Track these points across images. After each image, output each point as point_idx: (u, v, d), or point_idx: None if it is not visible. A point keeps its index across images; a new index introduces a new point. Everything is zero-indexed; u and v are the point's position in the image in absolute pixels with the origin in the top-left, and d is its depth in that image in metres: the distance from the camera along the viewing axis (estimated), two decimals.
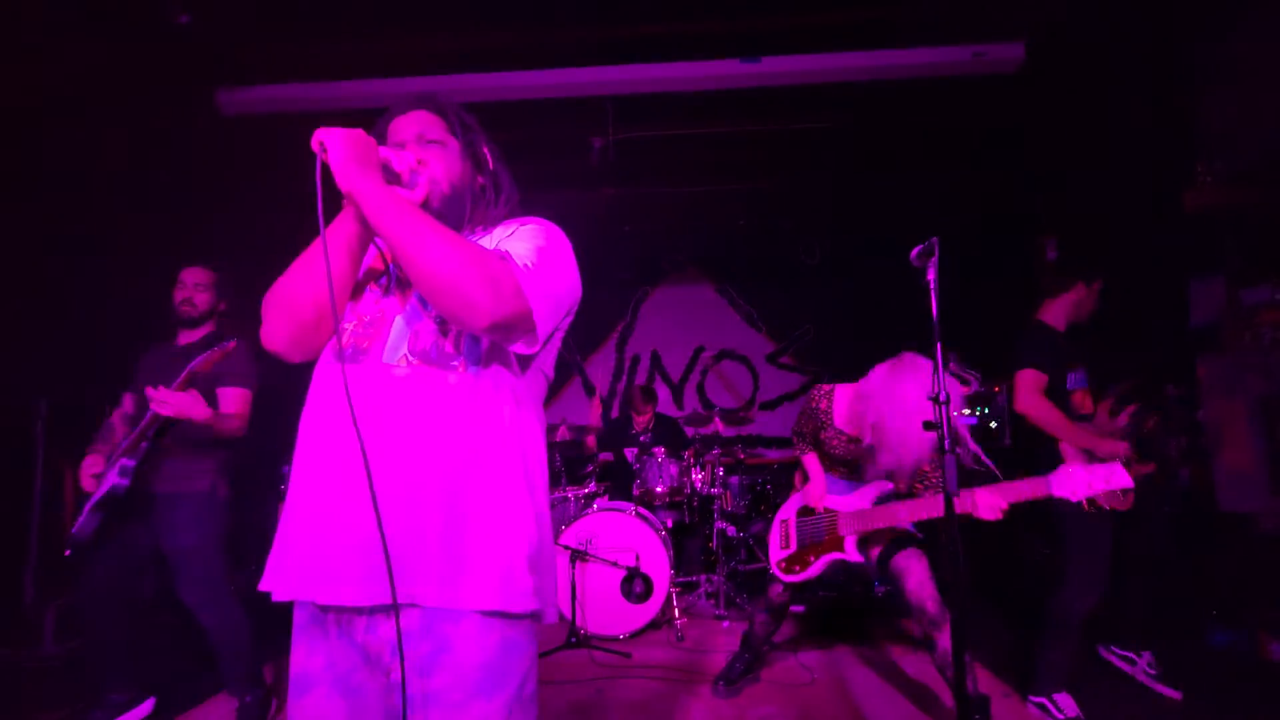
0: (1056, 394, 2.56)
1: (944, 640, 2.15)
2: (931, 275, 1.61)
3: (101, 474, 2.43)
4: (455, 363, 1.03)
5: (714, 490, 4.16)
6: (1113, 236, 3.94)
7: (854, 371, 2.50)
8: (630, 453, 4.71)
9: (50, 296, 3.81)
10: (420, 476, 0.97)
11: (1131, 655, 2.82)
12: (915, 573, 2.23)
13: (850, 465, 2.53)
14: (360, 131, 1.01)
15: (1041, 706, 2.48)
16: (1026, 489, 2.01)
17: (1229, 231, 3.38)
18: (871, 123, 4.01)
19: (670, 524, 4.10)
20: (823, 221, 5.63)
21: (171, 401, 2.25)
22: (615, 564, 3.54)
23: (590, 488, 4.15)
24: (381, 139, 1.13)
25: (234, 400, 2.54)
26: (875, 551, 2.37)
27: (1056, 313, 2.69)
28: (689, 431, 4.83)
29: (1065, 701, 2.44)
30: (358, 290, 1.11)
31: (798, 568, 2.53)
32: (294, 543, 1.00)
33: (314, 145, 0.98)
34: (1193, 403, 3.40)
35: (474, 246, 0.97)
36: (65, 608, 3.47)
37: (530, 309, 0.98)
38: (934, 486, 2.28)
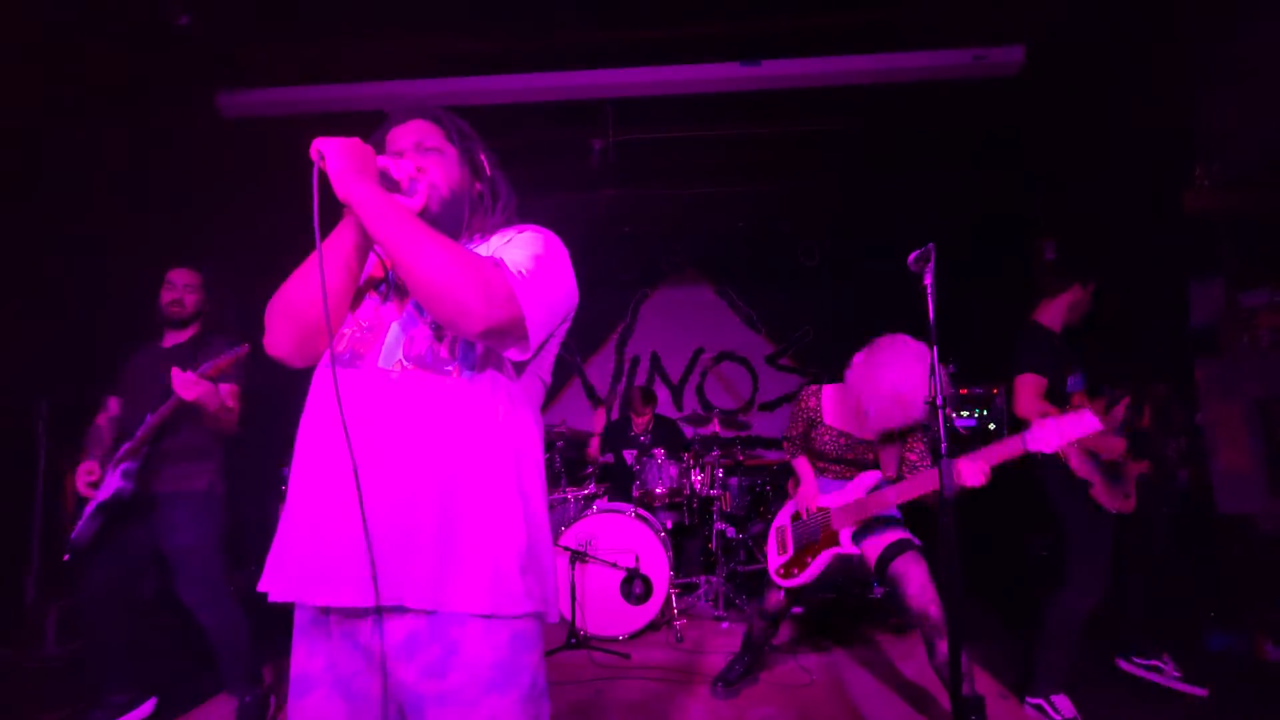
0: (1056, 397, 2.56)
1: (945, 646, 2.15)
2: (929, 280, 1.62)
3: (99, 479, 2.44)
4: (450, 367, 1.04)
5: (713, 491, 4.16)
6: (1112, 239, 3.94)
7: None
8: (630, 454, 4.71)
9: (50, 296, 3.81)
10: (414, 479, 0.98)
11: (1156, 663, 2.79)
12: (915, 578, 2.23)
13: (842, 463, 2.55)
14: (358, 140, 1.02)
15: (1039, 708, 2.49)
16: (1004, 448, 2.03)
17: (1228, 234, 3.38)
18: (871, 125, 4.02)
19: (670, 525, 4.11)
20: (822, 223, 5.63)
21: (196, 388, 2.30)
22: (615, 565, 3.55)
23: (590, 489, 4.16)
24: (380, 148, 1.14)
25: (233, 396, 2.57)
26: (874, 555, 2.37)
27: (1053, 314, 2.69)
28: (688, 432, 4.84)
29: (1062, 703, 2.45)
30: (358, 297, 1.13)
31: (796, 570, 2.54)
32: (291, 544, 1.01)
33: (312, 154, 0.98)
34: (1191, 404, 3.41)
35: (468, 254, 0.98)
36: (66, 609, 3.48)
37: (523, 316, 0.99)
38: (918, 469, 2.33)
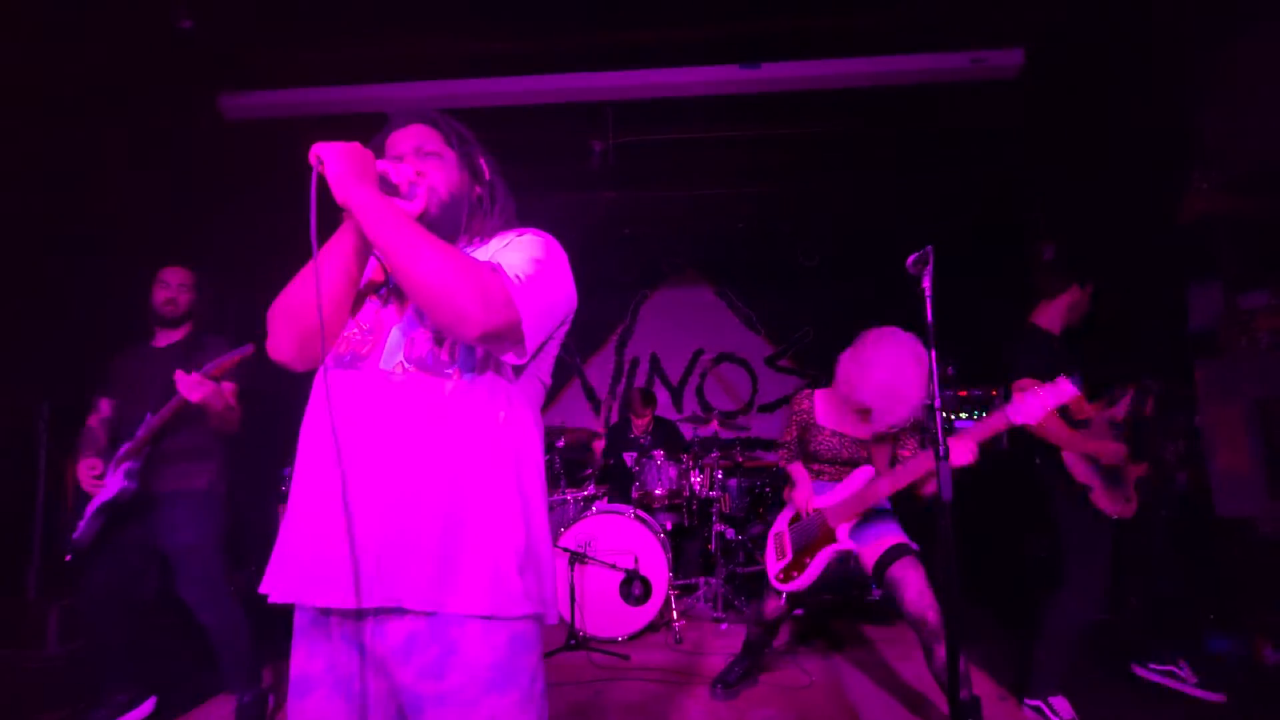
0: None
1: (943, 651, 2.15)
2: (927, 283, 1.62)
3: (102, 475, 2.45)
4: (450, 370, 1.04)
5: (713, 493, 4.16)
6: (1111, 241, 3.95)
7: None
8: (629, 455, 4.72)
9: (50, 296, 3.82)
10: (414, 481, 0.98)
11: (1172, 669, 2.77)
12: (913, 583, 2.24)
13: (836, 464, 2.56)
14: (357, 145, 1.02)
15: (1037, 710, 2.49)
16: (990, 424, 2.06)
17: (1227, 236, 3.39)
18: (871, 127, 4.02)
19: (669, 526, 4.11)
20: (822, 225, 5.63)
21: (201, 389, 2.30)
22: (614, 566, 3.55)
23: (589, 490, 4.16)
24: (379, 153, 1.14)
25: (233, 395, 2.57)
26: (871, 559, 2.37)
27: (1052, 316, 2.69)
28: (688, 434, 4.85)
29: (1061, 705, 2.45)
30: (358, 301, 1.13)
31: (796, 573, 2.54)
32: (291, 546, 1.01)
33: (311, 159, 0.99)
34: (1190, 406, 3.41)
35: (466, 258, 0.98)
36: (68, 608, 3.48)
37: (520, 320, 1.00)
38: (906, 461, 2.36)
